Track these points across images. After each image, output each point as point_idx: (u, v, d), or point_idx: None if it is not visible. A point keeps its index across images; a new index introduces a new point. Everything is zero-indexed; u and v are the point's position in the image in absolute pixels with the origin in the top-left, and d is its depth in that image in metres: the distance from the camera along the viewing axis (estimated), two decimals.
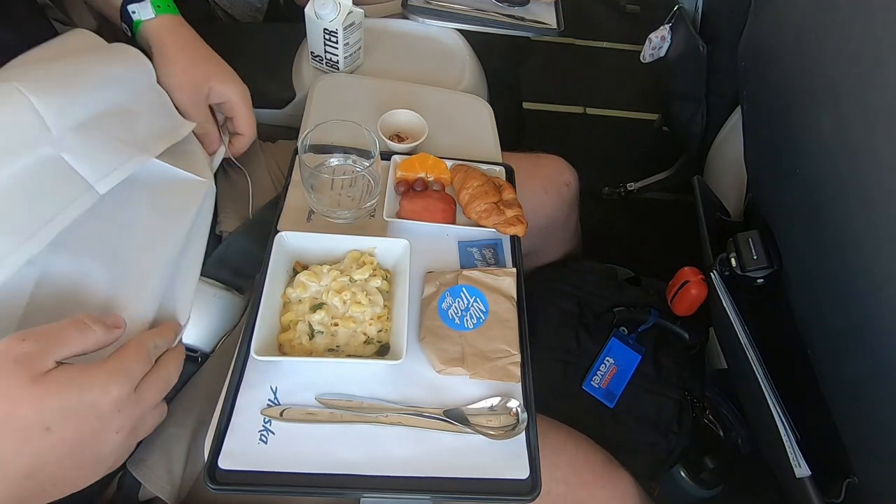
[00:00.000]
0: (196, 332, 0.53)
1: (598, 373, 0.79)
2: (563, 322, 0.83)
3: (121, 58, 0.51)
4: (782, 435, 0.60)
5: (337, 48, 0.76)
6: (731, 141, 1.04)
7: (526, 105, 1.39)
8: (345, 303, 0.50)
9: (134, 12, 0.56)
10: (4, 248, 0.37)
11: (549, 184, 0.82)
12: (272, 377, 0.48)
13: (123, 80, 0.49)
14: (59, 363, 0.33)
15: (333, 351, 0.49)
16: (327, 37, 0.76)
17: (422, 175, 0.62)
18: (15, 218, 0.38)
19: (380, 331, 0.50)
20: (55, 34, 0.50)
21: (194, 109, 0.57)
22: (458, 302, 0.53)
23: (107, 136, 0.44)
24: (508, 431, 0.46)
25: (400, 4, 0.89)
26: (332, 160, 0.61)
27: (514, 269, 0.57)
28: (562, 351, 0.80)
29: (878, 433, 0.50)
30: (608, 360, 0.80)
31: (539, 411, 0.49)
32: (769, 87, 0.65)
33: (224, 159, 0.63)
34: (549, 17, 0.93)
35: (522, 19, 0.91)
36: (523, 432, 0.46)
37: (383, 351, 0.49)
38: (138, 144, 0.47)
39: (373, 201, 0.60)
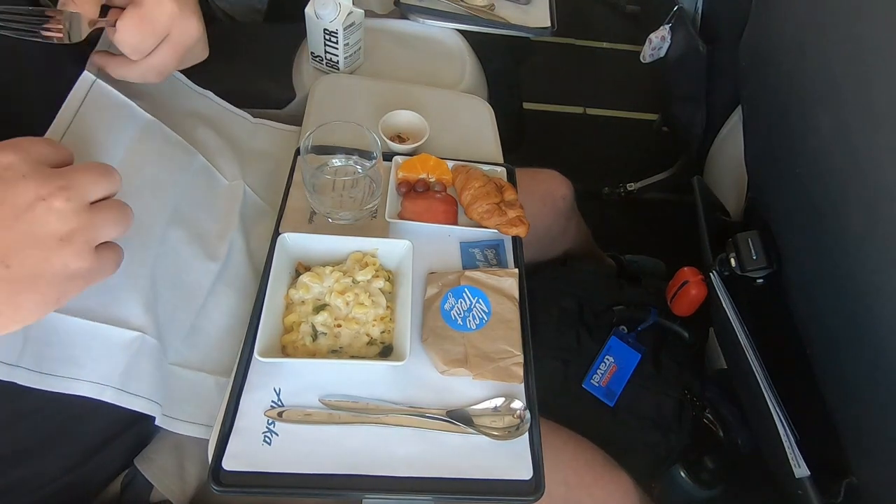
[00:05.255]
0: None
1: (599, 371, 0.79)
2: (563, 321, 0.83)
3: None
4: (782, 435, 0.60)
5: (337, 48, 0.76)
6: (731, 141, 1.05)
7: (526, 105, 1.38)
8: (347, 304, 0.50)
9: None
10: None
11: (546, 197, 0.84)
12: (275, 379, 0.48)
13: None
14: None
15: (336, 352, 0.49)
16: (327, 37, 0.76)
17: (423, 176, 0.62)
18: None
19: (383, 332, 0.50)
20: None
21: None
22: (461, 303, 0.53)
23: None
24: (512, 432, 0.47)
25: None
26: (333, 161, 0.61)
27: (516, 270, 0.57)
28: (562, 350, 0.81)
29: (876, 433, 0.50)
30: (608, 359, 0.80)
31: (539, 410, 0.49)
32: (769, 87, 0.65)
33: None
34: (543, 18, 0.93)
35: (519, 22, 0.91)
36: (526, 433, 0.47)
37: (386, 352, 0.49)
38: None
39: (374, 202, 0.60)
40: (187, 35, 0.46)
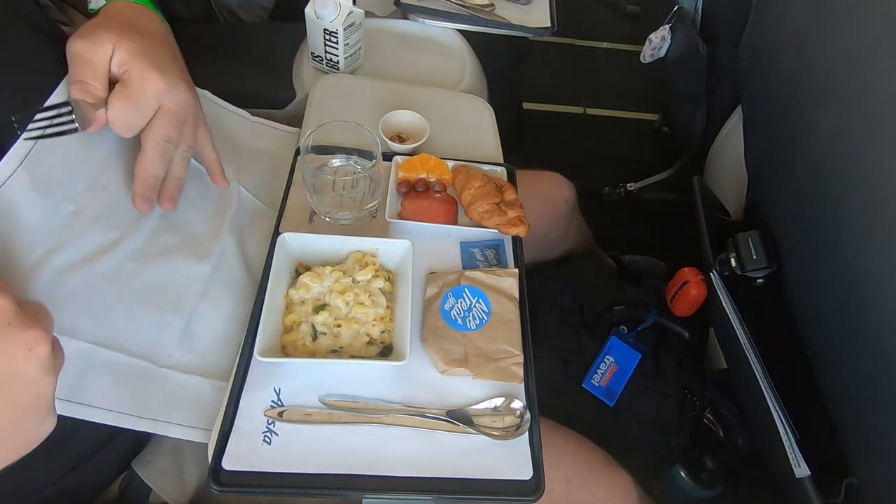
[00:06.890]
0: None
1: (599, 371, 0.79)
2: (563, 321, 0.83)
3: None
4: (782, 435, 0.60)
5: (337, 48, 0.76)
6: (731, 141, 1.05)
7: (526, 105, 1.39)
8: (347, 304, 0.50)
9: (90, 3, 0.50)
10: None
11: (548, 199, 0.84)
12: (275, 379, 0.48)
13: None
14: None
15: (336, 352, 0.49)
16: (327, 37, 0.76)
17: (423, 176, 0.62)
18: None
19: (383, 332, 0.50)
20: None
21: (85, 66, 0.42)
22: (461, 302, 0.53)
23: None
24: (512, 432, 0.47)
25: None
26: (333, 161, 0.61)
27: (517, 270, 0.57)
28: (562, 349, 0.81)
29: (876, 433, 0.50)
30: (608, 359, 0.80)
31: (539, 410, 0.49)
32: (769, 87, 0.65)
33: None
34: (543, 18, 0.93)
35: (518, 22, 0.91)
36: (526, 433, 0.47)
37: (386, 352, 0.49)
38: None
39: (374, 202, 0.60)
40: (179, 102, 0.46)
